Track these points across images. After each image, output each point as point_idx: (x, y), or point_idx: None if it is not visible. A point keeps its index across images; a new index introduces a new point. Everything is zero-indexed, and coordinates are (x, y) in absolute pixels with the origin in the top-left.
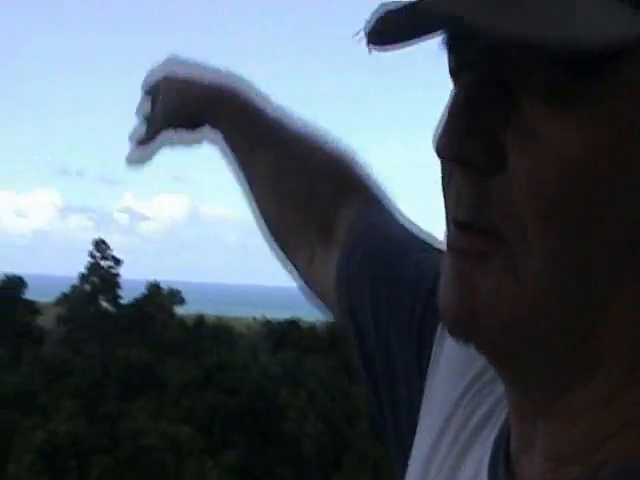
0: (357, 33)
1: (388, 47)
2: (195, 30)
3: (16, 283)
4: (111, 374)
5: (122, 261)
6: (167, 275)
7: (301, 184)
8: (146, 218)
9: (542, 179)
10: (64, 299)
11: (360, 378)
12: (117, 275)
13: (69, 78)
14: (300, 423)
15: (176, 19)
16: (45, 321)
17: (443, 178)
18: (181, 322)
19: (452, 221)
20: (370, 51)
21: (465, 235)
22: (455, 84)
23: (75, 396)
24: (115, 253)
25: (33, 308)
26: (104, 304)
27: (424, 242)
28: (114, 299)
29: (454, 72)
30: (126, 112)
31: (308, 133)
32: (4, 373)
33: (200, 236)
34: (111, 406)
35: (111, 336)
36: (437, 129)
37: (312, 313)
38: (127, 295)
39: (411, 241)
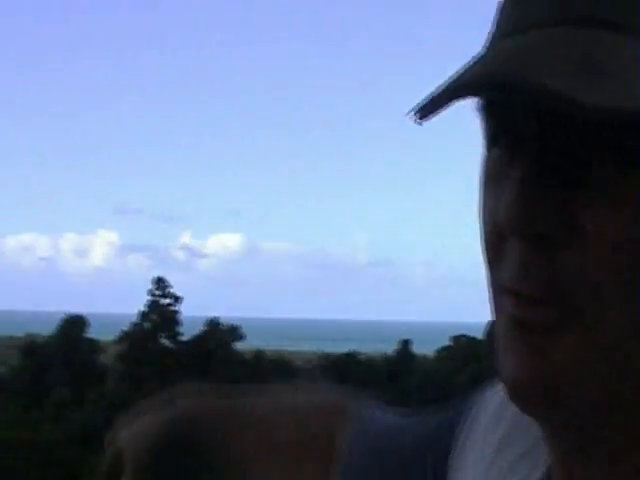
0: (410, 112)
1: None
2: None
3: (78, 322)
4: None
5: (181, 298)
6: (226, 311)
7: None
8: (204, 255)
9: (622, 248)
10: (125, 337)
11: (418, 408)
12: (177, 312)
13: (124, 120)
14: None
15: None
16: (106, 359)
17: (490, 249)
18: (241, 357)
19: (512, 293)
20: (420, 123)
21: (536, 308)
22: (494, 147)
23: None
24: (174, 290)
25: (95, 346)
26: (164, 341)
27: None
28: (174, 336)
29: (499, 137)
30: (181, 151)
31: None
32: (68, 411)
33: (258, 271)
34: None
35: (171, 373)
36: (483, 202)
37: (370, 346)
38: (187, 332)
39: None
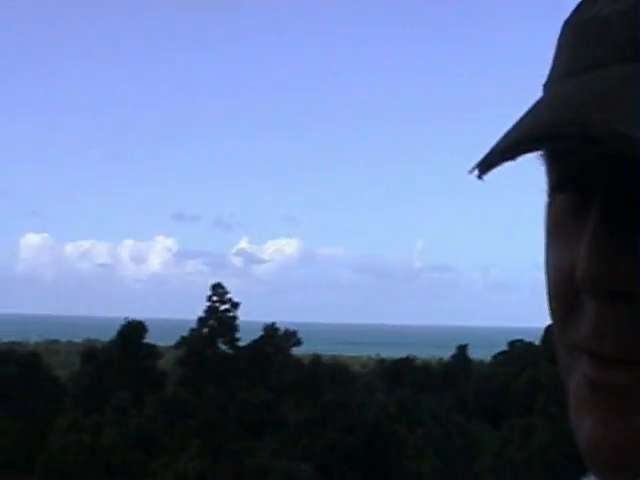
0: (473, 169)
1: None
2: None
3: (137, 327)
4: (230, 414)
5: (239, 304)
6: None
7: None
8: (261, 260)
9: None
10: (183, 342)
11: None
12: (234, 318)
13: (182, 128)
14: (417, 460)
15: None
16: (165, 364)
17: (562, 304)
18: (298, 362)
19: (589, 353)
20: (481, 178)
21: (615, 370)
22: (559, 194)
23: (197, 436)
24: (231, 296)
25: (153, 352)
26: (222, 346)
27: None
28: (232, 341)
29: (565, 184)
30: (238, 158)
31: None
32: (128, 415)
33: (314, 276)
34: (235, 444)
35: (229, 377)
36: (550, 254)
37: (426, 351)
38: (244, 337)
39: None
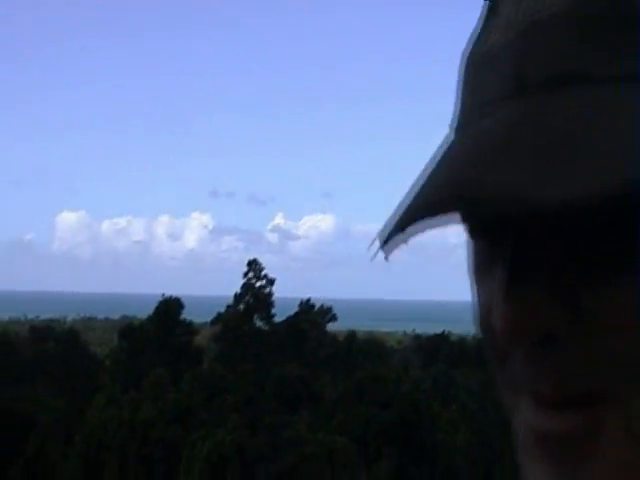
0: (375, 245)
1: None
2: None
3: (174, 304)
4: (267, 389)
5: (275, 280)
6: (318, 292)
7: None
8: (297, 237)
9: (624, 333)
10: (220, 319)
11: None
12: (270, 294)
13: (218, 105)
14: (451, 435)
15: None
16: (202, 340)
17: (494, 348)
18: (333, 338)
19: (529, 394)
20: (386, 258)
21: (559, 414)
22: (479, 241)
23: (234, 411)
24: (267, 272)
25: (191, 328)
26: (258, 323)
27: None
28: (268, 317)
29: (476, 234)
30: (274, 134)
31: None
32: (165, 391)
33: (350, 253)
34: (272, 418)
35: (265, 353)
36: (477, 296)
37: (462, 327)
38: (280, 313)
39: None
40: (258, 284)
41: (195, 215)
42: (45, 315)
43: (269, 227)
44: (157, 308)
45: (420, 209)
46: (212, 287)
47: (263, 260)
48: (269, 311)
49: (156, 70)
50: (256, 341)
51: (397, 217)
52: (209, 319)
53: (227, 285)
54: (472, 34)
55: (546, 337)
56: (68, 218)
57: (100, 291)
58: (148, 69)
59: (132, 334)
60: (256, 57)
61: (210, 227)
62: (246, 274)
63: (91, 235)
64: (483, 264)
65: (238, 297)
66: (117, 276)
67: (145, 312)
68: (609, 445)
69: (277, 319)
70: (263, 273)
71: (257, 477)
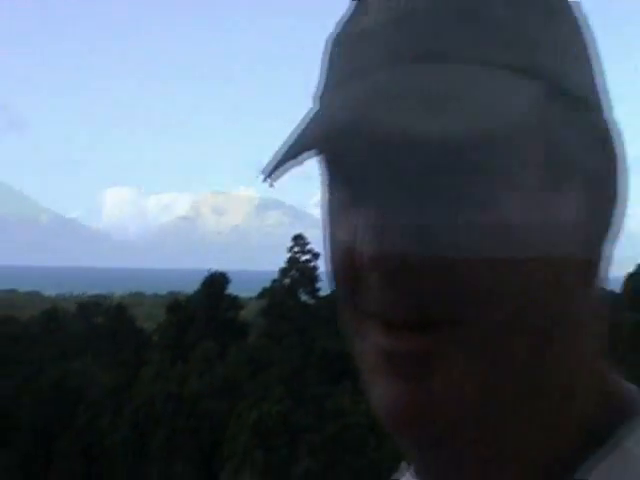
0: (259, 175)
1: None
2: None
3: (220, 279)
4: (311, 363)
5: (320, 254)
6: None
7: None
8: None
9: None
10: (265, 293)
11: None
12: (315, 268)
13: (263, 81)
14: None
15: None
16: (248, 315)
17: (346, 275)
18: None
19: (380, 320)
20: (271, 185)
21: (411, 336)
22: (334, 192)
23: (279, 384)
24: (312, 247)
25: (237, 303)
26: (303, 297)
27: None
28: (313, 292)
29: (341, 180)
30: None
31: None
32: (212, 365)
33: None
34: (316, 389)
35: (311, 327)
36: (330, 233)
37: None
38: (325, 287)
39: None
40: (303, 258)
41: (240, 191)
42: (93, 291)
43: (315, 202)
44: (203, 283)
45: (316, 140)
46: (258, 262)
47: (308, 234)
48: (314, 285)
49: (203, 42)
50: (301, 315)
51: (281, 150)
52: (255, 294)
53: (272, 260)
54: (339, 22)
55: (402, 264)
56: (115, 194)
57: (147, 267)
58: (195, 41)
59: (179, 309)
60: (304, 25)
61: (255, 203)
62: (291, 248)
63: (138, 211)
64: (344, 202)
65: (283, 272)
66: (164, 252)
67: (191, 287)
68: (450, 363)
69: (322, 293)
70: (308, 247)
71: (301, 446)
